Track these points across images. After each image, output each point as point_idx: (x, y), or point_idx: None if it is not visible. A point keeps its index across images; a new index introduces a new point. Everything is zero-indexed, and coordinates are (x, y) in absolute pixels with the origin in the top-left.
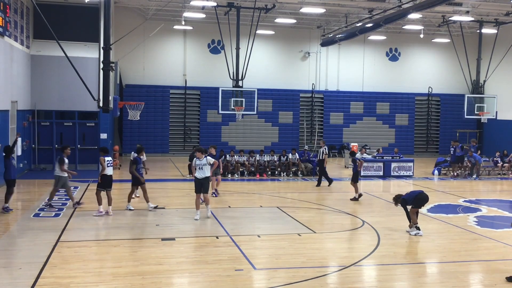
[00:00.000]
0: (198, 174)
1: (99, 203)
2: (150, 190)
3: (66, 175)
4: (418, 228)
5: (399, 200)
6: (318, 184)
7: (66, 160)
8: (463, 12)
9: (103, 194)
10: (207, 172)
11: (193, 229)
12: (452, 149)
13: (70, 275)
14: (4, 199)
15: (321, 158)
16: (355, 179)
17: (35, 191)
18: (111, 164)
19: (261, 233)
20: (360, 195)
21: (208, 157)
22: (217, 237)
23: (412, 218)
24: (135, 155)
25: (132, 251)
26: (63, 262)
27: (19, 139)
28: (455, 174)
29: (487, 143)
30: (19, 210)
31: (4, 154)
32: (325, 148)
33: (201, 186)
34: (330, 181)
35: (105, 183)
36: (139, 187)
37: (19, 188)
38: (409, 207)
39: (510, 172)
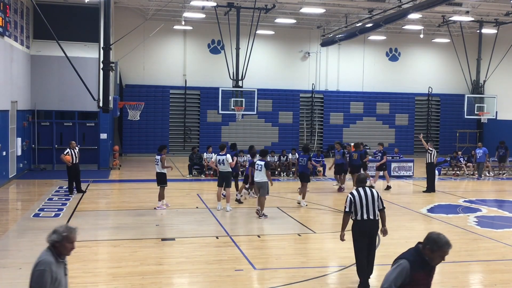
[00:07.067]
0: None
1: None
2: (150, 190)
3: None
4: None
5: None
6: (428, 190)
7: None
8: (463, 12)
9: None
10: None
11: (193, 229)
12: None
13: (70, 275)
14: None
15: (430, 161)
16: None
17: (35, 191)
18: (157, 163)
19: (261, 233)
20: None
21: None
22: (217, 237)
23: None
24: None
25: (132, 251)
26: None
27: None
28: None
29: (487, 143)
30: (19, 210)
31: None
32: (434, 151)
33: (223, 180)
34: (432, 189)
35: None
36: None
37: (18, 188)
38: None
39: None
